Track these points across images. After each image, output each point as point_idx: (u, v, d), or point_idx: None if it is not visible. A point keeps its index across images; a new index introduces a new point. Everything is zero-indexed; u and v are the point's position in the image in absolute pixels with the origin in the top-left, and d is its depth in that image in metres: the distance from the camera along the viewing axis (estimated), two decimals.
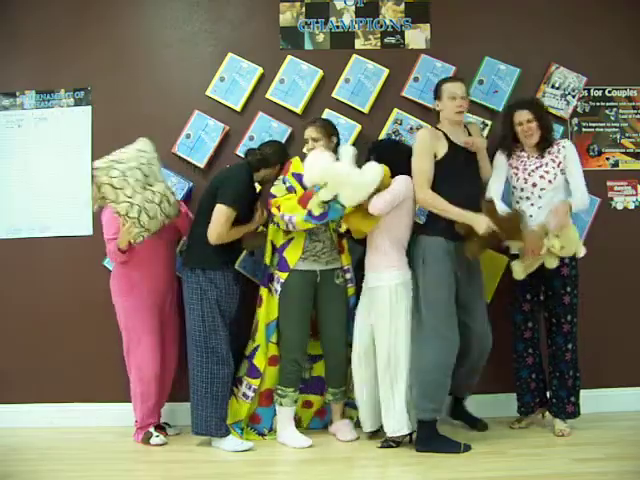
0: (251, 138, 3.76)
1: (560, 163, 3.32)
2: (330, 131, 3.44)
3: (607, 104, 3.90)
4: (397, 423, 3.20)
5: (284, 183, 3.38)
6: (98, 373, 3.77)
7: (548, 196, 3.30)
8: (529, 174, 3.34)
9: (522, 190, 3.35)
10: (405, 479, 3.05)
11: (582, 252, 3.25)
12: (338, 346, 3.44)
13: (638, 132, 3.90)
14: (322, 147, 3.36)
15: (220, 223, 3.28)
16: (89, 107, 3.89)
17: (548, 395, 3.41)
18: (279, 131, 3.78)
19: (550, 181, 3.30)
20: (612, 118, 3.90)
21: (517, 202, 3.39)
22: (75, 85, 3.90)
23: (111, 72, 3.88)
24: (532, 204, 3.32)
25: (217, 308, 3.31)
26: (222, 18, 3.90)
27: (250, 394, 3.41)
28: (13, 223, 3.89)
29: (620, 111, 3.91)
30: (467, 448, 3.14)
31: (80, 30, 3.89)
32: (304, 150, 3.43)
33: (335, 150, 3.37)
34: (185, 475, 3.06)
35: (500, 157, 3.43)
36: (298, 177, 3.36)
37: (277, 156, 3.47)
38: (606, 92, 3.90)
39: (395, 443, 3.25)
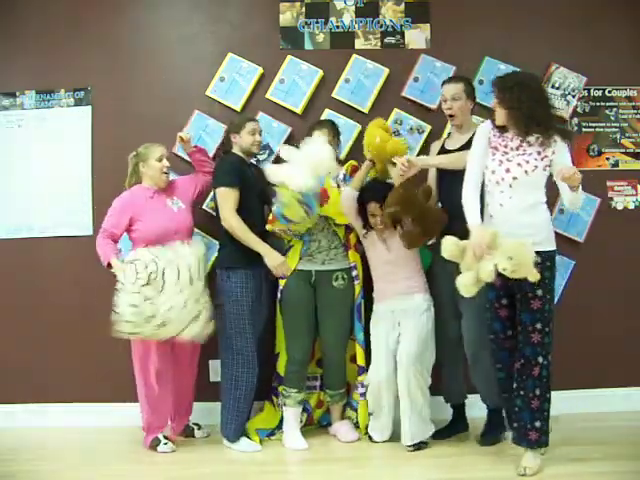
0: None
1: (545, 157, 2.91)
2: (336, 132, 3.52)
3: (607, 104, 3.90)
4: (429, 426, 3.31)
5: None
6: (98, 373, 3.77)
7: (520, 189, 2.90)
8: (507, 158, 2.94)
9: (493, 173, 2.96)
10: (405, 479, 3.05)
11: (535, 277, 2.75)
12: (335, 349, 3.45)
13: (638, 132, 3.90)
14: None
15: (223, 206, 3.28)
16: (89, 107, 3.89)
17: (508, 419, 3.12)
18: (279, 131, 3.78)
19: (526, 172, 2.89)
20: (612, 118, 3.90)
21: (486, 185, 3.00)
22: (75, 85, 3.90)
23: (111, 72, 3.88)
24: (502, 191, 2.94)
25: (246, 309, 3.27)
26: (222, 18, 3.90)
27: (278, 400, 3.45)
28: (13, 223, 3.89)
29: (620, 111, 3.91)
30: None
31: (80, 30, 3.89)
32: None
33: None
34: (185, 475, 3.06)
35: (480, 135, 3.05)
36: None
37: (238, 120, 3.49)
38: (606, 92, 3.90)
39: (425, 443, 3.28)
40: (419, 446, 3.24)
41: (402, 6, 3.90)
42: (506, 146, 2.96)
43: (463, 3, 3.88)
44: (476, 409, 3.57)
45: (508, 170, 2.92)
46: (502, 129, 2.98)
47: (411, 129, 3.79)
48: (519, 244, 2.76)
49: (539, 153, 2.91)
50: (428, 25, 3.89)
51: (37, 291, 3.84)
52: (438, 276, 3.39)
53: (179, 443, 3.43)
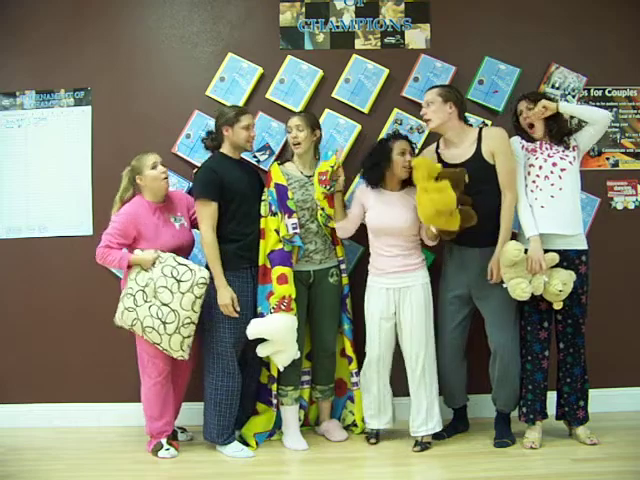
0: None
1: (575, 147, 3.31)
2: (313, 123, 3.45)
3: (607, 104, 3.89)
4: (438, 421, 3.28)
5: (267, 197, 3.35)
6: (98, 373, 3.77)
7: (568, 179, 3.24)
8: (549, 155, 3.28)
9: (541, 168, 3.26)
10: (405, 479, 3.05)
11: (559, 306, 3.18)
12: (330, 344, 3.46)
13: (638, 132, 3.90)
14: (305, 137, 3.38)
15: (199, 220, 3.26)
16: (89, 107, 3.89)
17: (556, 404, 3.34)
18: (279, 131, 3.78)
19: (571, 162, 3.25)
20: (612, 118, 3.89)
21: (533, 181, 3.27)
22: (75, 85, 3.90)
23: (111, 72, 3.88)
24: (552, 184, 3.24)
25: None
26: (222, 18, 3.90)
27: (274, 401, 3.40)
28: (13, 223, 3.89)
29: (620, 111, 3.91)
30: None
31: (80, 30, 3.89)
32: (289, 139, 3.43)
33: (317, 143, 3.49)
34: (185, 475, 3.06)
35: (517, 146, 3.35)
36: (280, 189, 3.32)
37: (220, 119, 3.38)
38: (606, 92, 3.90)
39: (429, 444, 3.27)
40: (425, 446, 3.24)
41: (402, 6, 3.90)
42: (541, 147, 3.31)
43: (463, 3, 3.88)
44: (477, 409, 3.58)
45: (555, 164, 3.25)
46: (527, 137, 3.34)
47: (411, 129, 3.79)
48: (571, 275, 3.14)
49: (567, 148, 3.29)
50: (428, 25, 3.89)
51: (37, 291, 3.84)
52: (450, 279, 3.38)
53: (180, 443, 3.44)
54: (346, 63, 3.83)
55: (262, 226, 3.32)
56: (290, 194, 3.32)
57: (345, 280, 3.50)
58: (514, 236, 3.29)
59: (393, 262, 3.28)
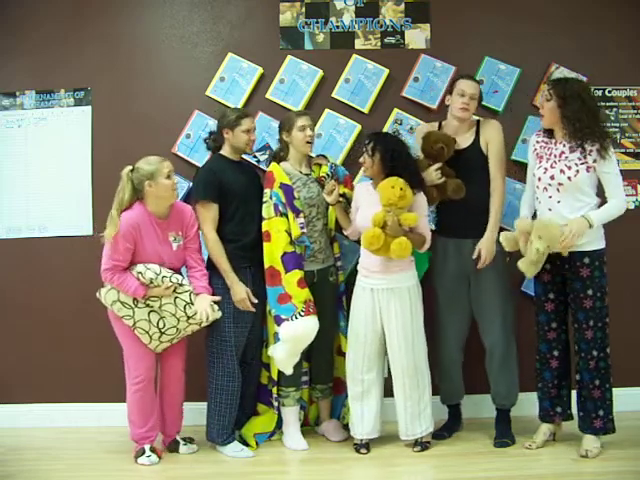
0: None
1: (585, 162, 3.05)
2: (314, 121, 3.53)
3: (607, 104, 3.89)
4: (430, 422, 3.24)
5: (271, 199, 3.28)
6: (98, 373, 3.77)
7: (568, 193, 3.08)
8: (551, 165, 3.12)
9: (540, 180, 3.15)
10: (405, 479, 3.05)
11: (565, 251, 3.03)
12: (328, 343, 3.46)
13: (638, 132, 3.90)
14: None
15: (201, 222, 3.26)
16: (89, 107, 3.89)
17: (576, 407, 3.23)
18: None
19: (570, 178, 3.05)
20: (612, 118, 3.89)
21: (534, 192, 3.23)
22: (75, 85, 3.90)
23: (111, 72, 3.87)
24: (550, 196, 3.13)
25: (225, 312, 3.23)
26: (222, 18, 3.90)
27: (275, 403, 3.40)
28: (13, 223, 3.89)
29: (620, 111, 3.90)
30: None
31: (80, 30, 3.88)
32: (299, 137, 3.37)
33: None
34: (185, 475, 3.07)
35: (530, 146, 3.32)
36: (287, 189, 3.30)
37: (222, 120, 3.38)
38: (606, 92, 3.90)
39: (429, 443, 3.26)
40: (425, 446, 3.23)
41: (402, 6, 3.90)
42: (550, 154, 3.16)
43: (463, 3, 3.88)
44: (477, 409, 3.58)
45: (553, 177, 3.10)
46: (548, 133, 3.21)
47: (411, 129, 3.79)
48: (543, 222, 3.05)
49: (579, 159, 3.07)
50: (428, 25, 3.88)
51: (37, 291, 3.84)
52: (439, 275, 3.41)
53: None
54: (346, 63, 3.83)
55: (265, 228, 3.27)
56: (296, 194, 3.32)
57: (341, 277, 3.52)
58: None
59: (375, 261, 3.21)
